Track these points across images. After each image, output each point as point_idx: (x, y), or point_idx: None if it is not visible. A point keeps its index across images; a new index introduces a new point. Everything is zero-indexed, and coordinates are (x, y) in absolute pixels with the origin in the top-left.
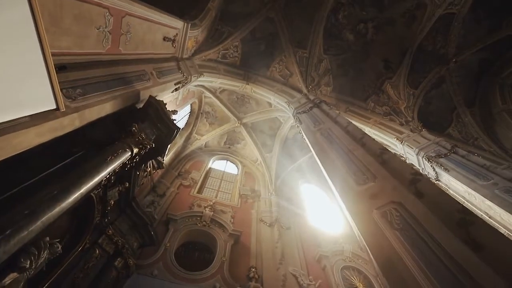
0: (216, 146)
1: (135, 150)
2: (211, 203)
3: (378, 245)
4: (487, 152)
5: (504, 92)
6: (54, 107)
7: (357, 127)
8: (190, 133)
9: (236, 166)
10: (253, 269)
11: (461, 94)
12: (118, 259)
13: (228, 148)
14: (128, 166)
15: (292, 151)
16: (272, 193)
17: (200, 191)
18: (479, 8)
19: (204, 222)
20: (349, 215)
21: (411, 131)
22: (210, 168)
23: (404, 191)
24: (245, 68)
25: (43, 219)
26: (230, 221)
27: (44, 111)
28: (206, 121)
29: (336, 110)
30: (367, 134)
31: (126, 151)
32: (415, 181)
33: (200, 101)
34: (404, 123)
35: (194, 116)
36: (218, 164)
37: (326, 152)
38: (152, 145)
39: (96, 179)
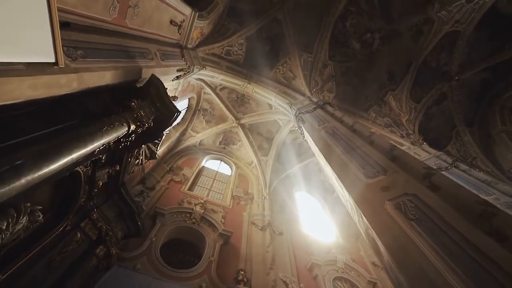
0: (211, 145)
1: (132, 127)
2: (202, 201)
3: (391, 235)
4: (485, 172)
5: (504, 114)
6: (53, 61)
7: (363, 126)
8: (186, 129)
9: (230, 167)
10: (242, 272)
11: (461, 112)
12: (100, 246)
13: (223, 148)
14: (123, 144)
15: (289, 156)
16: (266, 197)
17: (191, 188)
18: (484, 29)
19: (193, 220)
20: (357, 207)
21: (412, 143)
22: (203, 166)
23: (417, 184)
24: (248, 67)
25: (28, 177)
26: (221, 221)
27: (41, 63)
28: (203, 118)
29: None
30: (374, 132)
31: (123, 125)
32: (429, 175)
33: (199, 97)
34: (405, 136)
35: (191, 112)
36: (211, 164)
37: (331, 147)
38: (151, 124)
39: (89, 148)
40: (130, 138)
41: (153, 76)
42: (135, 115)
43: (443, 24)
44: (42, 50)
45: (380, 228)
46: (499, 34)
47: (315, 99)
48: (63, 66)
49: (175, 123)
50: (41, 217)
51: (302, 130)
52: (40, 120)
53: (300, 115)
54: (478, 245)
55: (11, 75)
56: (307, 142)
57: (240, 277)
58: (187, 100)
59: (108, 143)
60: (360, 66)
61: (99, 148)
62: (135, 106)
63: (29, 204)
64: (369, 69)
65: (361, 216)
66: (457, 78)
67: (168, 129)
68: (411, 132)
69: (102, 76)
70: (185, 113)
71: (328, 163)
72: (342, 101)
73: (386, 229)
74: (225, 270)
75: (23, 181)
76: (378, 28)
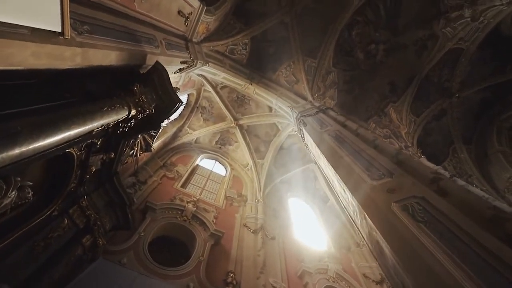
0: (207, 144)
1: (133, 112)
2: (195, 200)
3: (398, 236)
4: (480, 190)
5: (501, 134)
6: (59, 30)
7: (367, 131)
8: (182, 126)
9: (225, 168)
10: (231, 274)
11: (459, 129)
12: (87, 236)
13: (219, 148)
14: (121, 130)
15: (285, 161)
16: (260, 200)
17: (184, 185)
18: (487, 48)
19: (185, 217)
20: (361, 208)
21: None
22: (197, 165)
23: (425, 188)
24: (251, 67)
25: (22, 148)
26: (213, 221)
27: (47, 31)
28: (201, 116)
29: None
30: (379, 137)
31: (124, 108)
32: (437, 180)
33: (199, 94)
34: (404, 148)
35: (190, 109)
36: (206, 163)
37: (334, 149)
38: (152, 111)
39: (88, 127)
40: (129, 124)
41: (157, 63)
42: (137, 100)
43: (447, 41)
44: (49, 18)
45: (386, 229)
46: (501, 55)
47: (317, 104)
48: (69, 38)
49: (176, 114)
50: (30, 194)
51: (303, 133)
52: (39, 94)
53: (301, 118)
54: (491, 248)
55: (14, 38)
56: (307, 146)
57: (229, 279)
58: (186, 96)
59: (107, 125)
60: (363, 76)
61: (97, 128)
62: (137, 90)
63: (19, 179)
64: (371, 79)
65: (365, 217)
66: (457, 95)
67: (168, 119)
68: (410, 145)
69: (106, 55)
70: (183, 109)
71: (331, 164)
72: (343, 109)
73: (392, 230)
74: (214, 271)
75: (16, 151)
76: (383, 39)
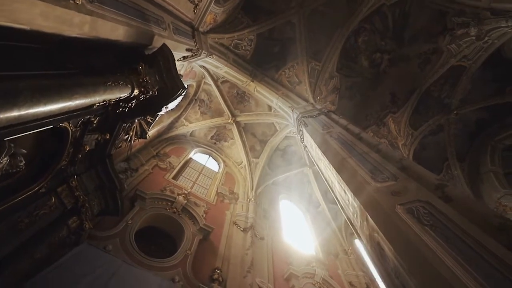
0: (202, 138)
1: (136, 92)
2: (186, 192)
3: (402, 238)
4: None
5: (494, 155)
6: None
7: (370, 136)
8: (179, 117)
9: (218, 164)
10: (218, 271)
11: (455, 146)
12: (74, 217)
13: (214, 143)
14: (121, 109)
15: (279, 163)
16: (251, 200)
17: (176, 177)
18: (489, 68)
19: (174, 209)
20: (363, 209)
21: None
22: (190, 158)
23: (430, 194)
24: (254, 64)
25: (21, 110)
26: (203, 215)
27: None
28: (199, 109)
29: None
30: (382, 142)
31: (127, 86)
32: (442, 186)
33: (198, 86)
34: None
35: (188, 101)
36: (199, 157)
37: (336, 151)
38: (155, 93)
39: (90, 100)
40: (130, 104)
41: (164, 45)
42: (141, 80)
43: (451, 57)
44: None
45: (390, 231)
46: (501, 77)
47: (318, 106)
48: (80, 3)
49: (173, 103)
50: (22, 163)
51: (303, 134)
52: (42, 60)
53: (302, 118)
54: (499, 255)
55: None
56: (305, 147)
57: (216, 276)
58: (186, 86)
59: (109, 101)
60: (365, 84)
61: (98, 103)
62: (142, 70)
63: (12, 145)
64: (373, 88)
65: (366, 218)
66: (456, 112)
67: (166, 107)
68: (406, 157)
69: (115, 28)
70: (181, 100)
71: (332, 165)
72: (343, 115)
73: (396, 232)
74: (200, 267)
75: (15, 113)
76: (388, 49)
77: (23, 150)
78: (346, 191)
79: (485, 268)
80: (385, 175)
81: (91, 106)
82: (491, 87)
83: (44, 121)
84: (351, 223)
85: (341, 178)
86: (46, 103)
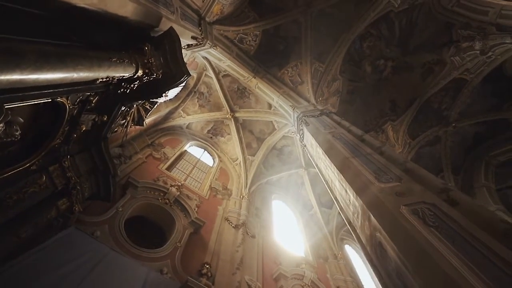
0: (198, 131)
1: (140, 72)
2: (179, 184)
3: (407, 238)
4: None
5: (489, 170)
6: None
7: (372, 138)
8: (176, 108)
9: (213, 159)
10: (207, 266)
11: (450, 158)
12: (64, 199)
13: (210, 137)
14: (123, 90)
15: (275, 162)
16: (244, 197)
17: (169, 169)
18: (489, 84)
19: (167, 200)
20: (365, 208)
21: None
22: (185, 150)
23: (435, 196)
24: (257, 60)
25: (23, 73)
26: (195, 209)
27: None
28: (197, 101)
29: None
30: (386, 144)
31: (132, 65)
32: (447, 190)
33: (199, 79)
34: None
35: (187, 92)
36: (194, 150)
37: (338, 150)
38: (159, 76)
39: (93, 74)
40: (133, 85)
41: (172, 28)
42: (145, 61)
43: (454, 69)
44: None
45: (394, 230)
46: (501, 93)
47: (320, 107)
48: None
49: (172, 93)
50: (18, 132)
51: (303, 133)
52: (47, 29)
53: (304, 117)
54: (506, 258)
55: None
56: (305, 146)
57: (205, 271)
58: (190, 73)
59: (112, 78)
60: (367, 90)
61: (102, 79)
62: (147, 50)
63: (10, 112)
64: (374, 94)
65: (369, 218)
66: (454, 125)
67: (165, 95)
68: (409, 160)
69: (123, 4)
70: (180, 91)
71: (334, 164)
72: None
73: (401, 231)
74: (190, 260)
75: (16, 76)
76: (392, 56)
77: (20, 119)
78: (348, 190)
79: (494, 271)
80: (389, 176)
81: (93, 81)
82: (490, 102)
83: (44, 91)
84: (349, 223)
85: (343, 177)
86: (49, 70)
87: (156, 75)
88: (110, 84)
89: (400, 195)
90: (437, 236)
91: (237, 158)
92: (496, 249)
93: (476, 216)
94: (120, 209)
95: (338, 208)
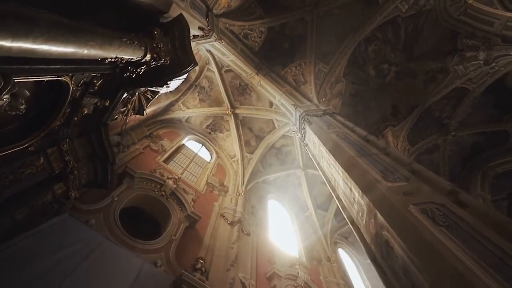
0: (197, 126)
1: (148, 56)
2: (176, 177)
3: (417, 236)
4: None
5: (485, 180)
6: None
7: (377, 139)
8: (176, 100)
9: (211, 154)
10: (201, 261)
11: (448, 167)
12: (60, 183)
13: (208, 133)
14: (129, 74)
15: (273, 162)
16: (241, 194)
17: (166, 161)
18: (491, 95)
19: (163, 192)
20: (372, 206)
21: None
22: (183, 144)
23: (443, 197)
24: (261, 57)
25: (35, 42)
26: (191, 203)
27: None
28: (198, 95)
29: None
30: (391, 145)
31: (141, 48)
32: (456, 192)
33: (201, 72)
34: None
35: (187, 85)
36: (192, 144)
37: (343, 149)
38: (167, 62)
39: (103, 52)
40: (139, 70)
41: (181, 15)
42: (154, 45)
43: (457, 78)
44: None
45: (402, 228)
46: (502, 105)
47: (323, 107)
48: None
49: (173, 86)
50: (23, 106)
51: (305, 132)
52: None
53: (307, 116)
54: None
55: None
56: (307, 145)
57: (199, 266)
58: (197, 62)
59: (121, 60)
60: (369, 93)
61: (111, 59)
62: (156, 35)
63: (17, 87)
64: (376, 98)
65: (375, 216)
66: (453, 133)
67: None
68: (415, 162)
69: None
70: (181, 83)
71: (338, 163)
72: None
73: (410, 229)
74: (184, 254)
75: (29, 44)
76: (396, 62)
77: (26, 92)
78: (353, 188)
79: (507, 271)
80: (396, 175)
81: (103, 60)
82: (490, 113)
83: (51, 66)
84: (352, 222)
85: (348, 176)
86: (61, 42)
87: (164, 60)
88: (117, 67)
89: (408, 195)
90: (448, 235)
91: (235, 155)
92: (509, 250)
93: (486, 217)
94: (116, 199)
95: (340, 207)
